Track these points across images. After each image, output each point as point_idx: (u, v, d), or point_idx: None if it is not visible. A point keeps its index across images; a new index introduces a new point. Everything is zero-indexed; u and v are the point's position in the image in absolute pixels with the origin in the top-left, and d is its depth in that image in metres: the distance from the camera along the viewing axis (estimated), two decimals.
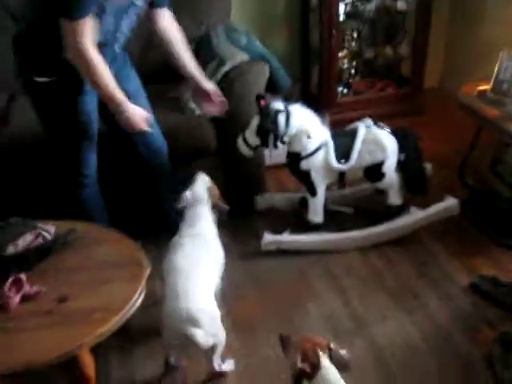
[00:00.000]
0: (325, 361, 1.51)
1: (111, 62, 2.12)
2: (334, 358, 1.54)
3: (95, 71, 1.96)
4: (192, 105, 2.67)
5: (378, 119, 3.19)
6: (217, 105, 2.41)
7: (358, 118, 2.76)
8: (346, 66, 3.84)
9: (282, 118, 2.39)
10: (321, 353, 1.52)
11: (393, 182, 2.66)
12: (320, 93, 3.72)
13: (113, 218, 2.44)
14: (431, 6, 3.65)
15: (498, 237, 2.66)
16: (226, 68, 2.61)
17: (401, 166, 2.63)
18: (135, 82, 2.35)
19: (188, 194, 2.16)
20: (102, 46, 2.03)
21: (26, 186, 2.60)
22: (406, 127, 2.74)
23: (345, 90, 3.87)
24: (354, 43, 3.80)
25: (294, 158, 2.50)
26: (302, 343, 1.56)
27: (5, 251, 1.83)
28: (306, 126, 2.45)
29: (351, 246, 2.62)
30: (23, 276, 1.72)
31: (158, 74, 2.42)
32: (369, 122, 2.63)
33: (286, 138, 2.43)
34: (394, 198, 2.71)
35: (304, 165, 2.50)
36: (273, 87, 2.70)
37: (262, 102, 2.39)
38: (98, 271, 1.81)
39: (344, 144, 2.53)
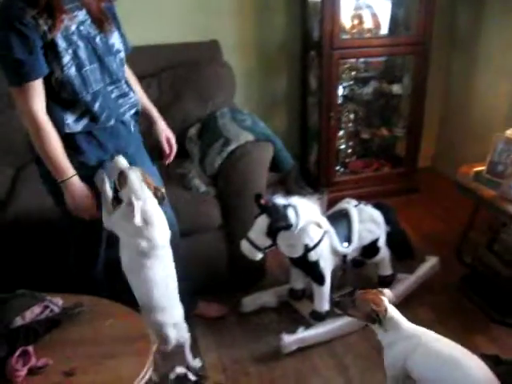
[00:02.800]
0: (388, 303, 2.01)
1: (127, 141, 2.16)
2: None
3: (43, 135, 1.91)
4: (197, 181, 2.74)
5: (374, 197, 3.30)
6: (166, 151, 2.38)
7: (355, 196, 2.84)
8: (343, 146, 3.94)
9: (291, 213, 2.33)
10: (383, 297, 2.02)
11: (385, 254, 2.75)
12: (319, 172, 3.80)
13: None
14: (425, 90, 3.77)
15: (498, 315, 2.67)
16: (231, 147, 2.65)
17: (388, 237, 2.72)
18: (148, 163, 2.34)
19: None
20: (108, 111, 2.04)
21: (32, 259, 2.60)
22: (381, 202, 2.83)
23: (341, 169, 3.95)
24: (350, 124, 3.91)
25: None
26: (365, 296, 2.03)
27: (12, 324, 1.83)
28: (313, 216, 2.43)
29: (359, 326, 2.61)
30: (30, 349, 1.72)
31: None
32: (353, 201, 2.70)
33: (296, 232, 2.37)
34: (386, 269, 2.80)
35: (313, 255, 2.46)
36: (275, 167, 2.78)
37: (263, 201, 2.33)
38: (105, 345, 1.80)
39: (341, 227, 2.57)
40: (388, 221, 2.70)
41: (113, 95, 2.09)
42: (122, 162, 2.05)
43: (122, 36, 2.14)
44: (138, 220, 1.96)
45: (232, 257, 2.77)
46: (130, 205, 1.96)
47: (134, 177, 2.00)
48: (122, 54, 2.11)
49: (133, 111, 2.18)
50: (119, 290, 2.20)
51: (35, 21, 1.81)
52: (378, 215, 2.66)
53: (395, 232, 2.75)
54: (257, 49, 3.77)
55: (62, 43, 1.88)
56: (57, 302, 1.93)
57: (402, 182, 3.96)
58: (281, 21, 3.75)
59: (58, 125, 1.97)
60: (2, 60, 1.85)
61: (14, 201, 2.75)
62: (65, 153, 1.96)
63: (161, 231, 2.07)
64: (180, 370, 2.28)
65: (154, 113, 2.38)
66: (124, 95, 2.14)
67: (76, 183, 2.00)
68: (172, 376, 2.26)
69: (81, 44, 1.94)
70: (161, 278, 2.10)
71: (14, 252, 2.59)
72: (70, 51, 1.90)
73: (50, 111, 1.94)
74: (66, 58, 1.90)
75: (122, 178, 2.01)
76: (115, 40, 2.07)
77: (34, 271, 2.59)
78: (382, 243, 2.68)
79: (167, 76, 3.26)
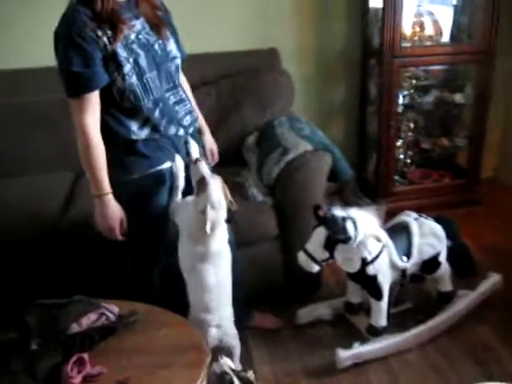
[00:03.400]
0: None
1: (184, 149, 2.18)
2: None
3: (91, 150, 1.93)
4: (254, 191, 2.72)
5: (433, 209, 3.21)
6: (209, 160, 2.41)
7: (414, 208, 2.77)
8: (401, 155, 3.86)
9: (350, 225, 2.28)
10: None
11: (446, 270, 2.66)
12: (377, 181, 3.74)
13: None
14: (489, 100, 3.66)
15: None
16: (289, 157, 2.63)
17: (449, 252, 2.63)
18: None
19: None
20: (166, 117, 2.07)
21: (88, 264, 2.64)
22: (442, 215, 2.75)
23: (400, 180, 3.87)
24: (410, 133, 3.83)
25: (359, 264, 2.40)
26: None
27: (68, 330, 1.84)
28: (371, 229, 2.37)
29: (416, 343, 2.56)
30: (86, 356, 1.72)
31: (223, 158, 2.47)
32: (413, 214, 2.63)
33: (354, 245, 2.32)
34: (447, 285, 2.71)
35: (371, 270, 2.40)
36: (333, 177, 2.73)
37: (321, 212, 2.29)
38: (158, 355, 1.79)
39: (401, 241, 2.51)
40: (449, 235, 2.62)
41: (170, 101, 2.11)
42: (203, 167, 2.07)
43: (178, 43, 2.16)
44: (208, 229, 1.98)
45: (288, 267, 2.73)
46: (203, 213, 1.98)
47: (215, 186, 2.02)
48: (178, 61, 2.14)
49: (188, 117, 2.19)
50: (173, 298, 2.22)
51: (95, 34, 1.85)
52: (439, 229, 2.57)
53: (457, 247, 2.67)
54: (316, 56, 3.74)
55: (122, 53, 1.91)
56: (112, 310, 1.93)
57: (463, 193, 3.84)
58: (340, 28, 3.72)
59: (124, 131, 2.02)
60: (61, 71, 1.89)
61: (73, 206, 2.80)
62: (106, 169, 1.99)
63: (219, 240, 2.08)
64: (225, 362, 2.13)
65: (204, 124, 2.43)
66: (180, 101, 2.16)
67: (110, 201, 2.02)
68: (216, 369, 2.09)
69: (141, 52, 1.97)
70: (214, 283, 2.11)
71: (71, 257, 2.63)
72: (131, 60, 1.93)
73: (115, 119, 2.00)
74: (127, 67, 1.93)
75: (202, 185, 2.02)
76: (172, 47, 2.10)
77: (90, 276, 2.63)
78: (442, 258, 2.59)
79: (226, 84, 3.27)
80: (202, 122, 2.41)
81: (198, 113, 2.37)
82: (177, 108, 2.14)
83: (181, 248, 2.13)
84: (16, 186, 3.00)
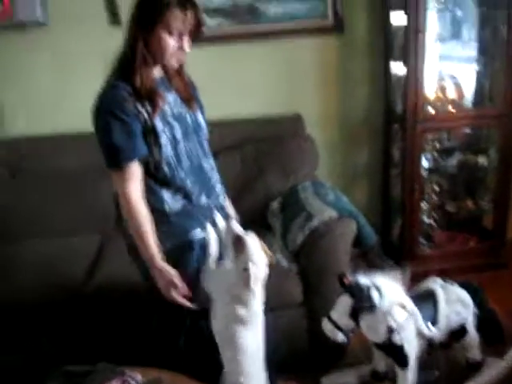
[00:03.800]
0: None
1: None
2: None
3: (137, 217, 1.97)
4: (279, 256, 2.72)
5: (459, 273, 3.17)
6: None
7: (439, 271, 2.74)
8: (426, 218, 3.84)
9: (375, 294, 2.25)
10: None
11: (474, 337, 2.60)
12: (402, 245, 3.71)
13: None
14: None
15: None
16: (314, 224, 2.65)
17: (476, 319, 2.58)
18: None
19: None
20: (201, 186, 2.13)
21: (113, 330, 2.64)
22: (467, 280, 2.72)
23: (425, 243, 3.83)
24: (434, 196, 3.82)
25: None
26: None
27: None
28: (397, 296, 2.34)
29: None
30: None
31: (247, 223, 2.48)
32: (439, 280, 2.60)
33: (380, 314, 2.29)
34: (475, 353, 2.63)
35: (397, 339, 2.35)
36: (358, 242, 2.73)
37: (346, 281, 2.27)
38: None
39: (427, 308, 2.46)
40: (475, 301, 2.57)
41: (202, 171, 2.17)
42: (237, 227, 2.06)
43: (204, 116, 2.25)
44: (252, 285, 1.96)
45: (313, 334, 2.70)
46: (245, 271, 1.96)
47: (252, 242, 2.01)
48: (206, 131, 2.22)
49: (218, 186, 2.26)
50: (200, 362, 2.21)
51: (136, 108, 1.93)
52: (465, 296, 2.54)
53: (484, 313, 2.63)
54: (339, 121, 3.79)
55: (159, 125, 1.99)
56: (136, 378, 1.94)
57: (489, 256, 3.79)
58: (364, 94, 3.77)
59: (157, 201, 2.07)
60: (102, 143, 1.96)
61: (98, 270, 2.83)
62: (155, 233, 2.02)
63: (259, 299, 2.06)
64: None
65: None
66: (211, 170, 2.23)
67: (159, 263, 2.03)
68: None
69: (175, 124, 2.04)
70: (250, 345, 2.08)
71: (95, 322, 2.64)
72: (167, 131, 2.01)
73: (149, 189, 2.04)
74: (164, 139, 2.00)
75: (239, 244, 2.00)
76: (200, 118, 2.19)
77: (115, 342, 2.62)
78: (470, 326, 2.55)
79: (251, 150, 3.32)
80: None
81: None
82: (209, 177, 2.20)
83: (214, 312, 2.10)
84: (41, 249, 3.04)
